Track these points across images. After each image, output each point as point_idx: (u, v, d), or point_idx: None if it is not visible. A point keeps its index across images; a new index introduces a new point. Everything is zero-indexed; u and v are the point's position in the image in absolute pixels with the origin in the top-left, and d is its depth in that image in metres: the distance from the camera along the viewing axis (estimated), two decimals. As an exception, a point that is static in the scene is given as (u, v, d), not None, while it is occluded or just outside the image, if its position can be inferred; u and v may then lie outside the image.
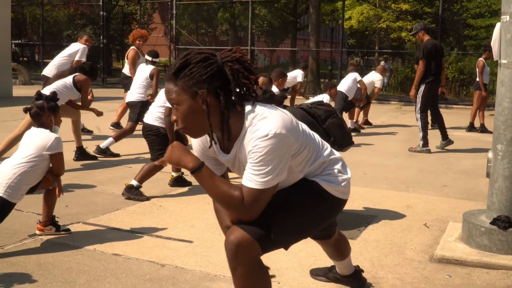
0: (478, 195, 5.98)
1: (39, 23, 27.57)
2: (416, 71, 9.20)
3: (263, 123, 2.24)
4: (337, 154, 2.65)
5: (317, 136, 2.59)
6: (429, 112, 9.34)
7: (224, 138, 2.34)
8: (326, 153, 2.57)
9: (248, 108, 2.31)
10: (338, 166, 2.60)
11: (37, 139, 4.03)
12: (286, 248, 2.51)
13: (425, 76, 8.93)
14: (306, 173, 2.53)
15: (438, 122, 9.38)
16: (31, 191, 4.04)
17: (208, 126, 2.32)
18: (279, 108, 2.36)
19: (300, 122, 2.49)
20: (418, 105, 9.02)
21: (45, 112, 4.15)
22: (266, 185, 2.25)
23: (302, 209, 2.49)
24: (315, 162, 2.52)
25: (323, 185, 2.53)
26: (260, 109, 2.31)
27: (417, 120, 9.10)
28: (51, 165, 4.07)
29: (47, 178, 4.07)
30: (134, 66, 9.67)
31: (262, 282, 2.44)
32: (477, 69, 12.05)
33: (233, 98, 2.32)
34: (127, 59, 10.30)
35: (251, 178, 2.26)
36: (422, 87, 8.99)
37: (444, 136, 9.31)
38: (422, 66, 8.86)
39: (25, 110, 4.22)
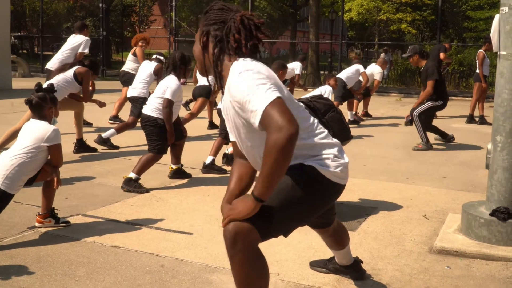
0: (477, 187, 5.99)
1: (39, 16, 27.50)
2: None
3: (235, 67, 2.36)
4: (334, 139, 2.64)
5: (312, 119, 2.58)
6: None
7: (217, 81, 2.53)
8: (320, 136, 2.56)
9: (237, 60, 2.41)
10: (334, 151, 2.58)
11: (35, 131, 4.03)
12: (285, 235, 2.51)
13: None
14: (305, 146, 2.49)
15: (435, 131, 9.15)
16: (29, 183, 4.03)
17: (206, 64, 2.56)
18: (259, 63, 2.42)
19: (295, 100, 2.55)
20: (421, 108, 8.67)
21: (47, 104, 4.16)
22: (271, 96, 2.19)
23: (301, 194, 2.48)
24: (308, 139, 2.50)
25: (320, 170, 2.51)
26: (245, 61, 2.39)
27: (413, 121, 8.71)
28: (49, 157, 4.07)
29: (45, 170, 4.07)
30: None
31: (260, 270, 2.44)
32: (477, 61, 12.03)
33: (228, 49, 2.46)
34: (133, 55, 10.25)
35: (258, 107, 2.18)
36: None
37: (443, 135, 9.23)
38: (430, 87, 8.51)
39: (27, 102, 4.22)
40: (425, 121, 8.60)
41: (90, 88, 7.32)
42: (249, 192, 2.37)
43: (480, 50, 11.95)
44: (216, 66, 2.48)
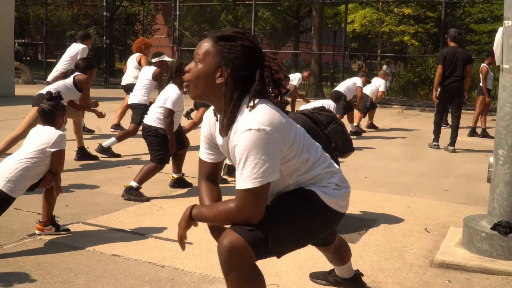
0: (479, 200, 5.97)
1: (43, 23, 27.55)
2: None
3: (250, 117, 2.24)
4: (335, 167, 2.60)
5: (317, 146, 2.57)
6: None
7: (224, 123, 2.36)
8: (323, 165, 2.53)
9: (248, 98, 2.32)
10: (335, 180, 2.55)
11: (42, 136, 4.05)
12: (278, 257, 2.46)
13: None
14: (300, 182, 2.49)
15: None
16: (32, 188, 4.03)
17: (209, 96, 2.37)
18: (277, 108, 2.34)
19: (300, 129, 2.48)
20: None
21: (59, 111, 4.20)
22: (254, 183, 2.22)
23: (299, 218, 2.44)
24: (310, 171, 2.48)
25: (320, 196, 2.48)
26: (257, 102, 2.30)
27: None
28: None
29: (47, 177, 4.07)
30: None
31: (255, 286, 2.39)
32: (480, 75, 12.02)
33: (249, 94, 2.32)
34: (138, 63, 10.06)
35: (242, 179, 2.24)
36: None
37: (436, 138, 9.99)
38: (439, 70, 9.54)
39: (39, 110, 4.23)
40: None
41: (93, 106, 7.27)
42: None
43: (483, 64, 11.95)
44: (234, 108, 2.32)
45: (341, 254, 3.22)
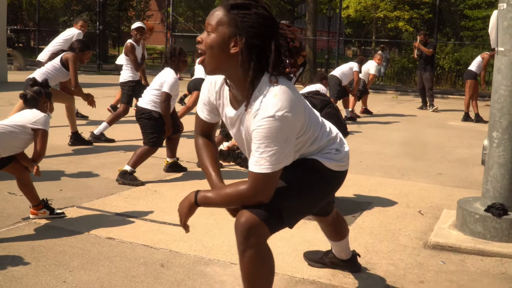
0: (472, 184, 5.99)
1: (35, 9, 27.38)
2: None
3: (272, 101, 2.21)
4: (333, 132, 2.65)
5: (317, 117, 2.59)
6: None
7: (243, 94, 2.32)
8: (325, 135, 2.57)
9: (267, 76, 2.28)
10: (335, 146, 2.62)
11: (26, 114, 4.03)
12: (291, 227, 2.51)
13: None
14: (304, 154, 2.54)
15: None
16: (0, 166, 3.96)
17: (224, 69, 2.31)
18: (293, 87, 2.32)
19: (306, 104, 2.49)
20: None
21: (42, 98, 4.17)
22: (273, 168, 2.25)
23: (307, 187, 2.51)
24: (314, 144, 2.52)
25: (323, 162, 2.55)
26: (277, 82, 2.27)
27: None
28: (25, 153, 4.02)
29: (18, 163, 3.99)
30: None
31: (269, 265, 2.43)
32: (477, 58, 12.05)
33: (263, 63, 2.28)
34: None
35: (257, 163, 2.25)
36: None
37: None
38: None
39: (21, 96, 4.20)
40: None
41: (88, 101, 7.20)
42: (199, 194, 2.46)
43: (486, 52, 12.11)
44: (251, 81, 2.27)
45: (339, 227, 3.24)
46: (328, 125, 2.66)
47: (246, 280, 2.43)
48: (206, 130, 2.68)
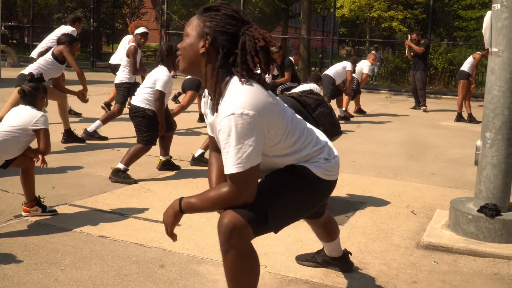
0: (465, 184, 6.00)
1: (30, 6, 27.27)
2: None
3: (234, 99, 2.22)
4: (321, 142, 2.62)
5: (304, 126, 2.57)
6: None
7: (211, 96, 2.39)
8: (311, 145, 2.55)
9: (234, 78, 2.30)
10: (323, 155, 2.58)
11: (24, 114, 4.01)
12: (276, 232, 2.49)
13: None
14: (293, 159, 2.51)
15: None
16: (4, 166, 3.99)
17: (196, 68, 2.38)
18: (263, 89, 2.32)
19: (288, 110, 2.47)
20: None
21: (39, 93, 4.16)
22: (243, 167, 2.22)
23: (295, 193, 2.49)
24: (299, 152, 2.50)
25: (312, 170, 2.53)
26: (242, 82, 2.27)
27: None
28: (33, 146, 4.02)
29: (24, 156, 4.01)
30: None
31: (252, 267, 2.42)
32: (469, 59, 12.09)
33: (231, 66, 2.31)
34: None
35: (227, 164, 2.24)
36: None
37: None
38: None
39: (20, 91, 4.18)
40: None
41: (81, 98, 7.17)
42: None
43: (477, 52, 12.14)
44: (218, 81, 2.31)
45: (329, 229, 3.23)
46: (317, 134, 2.65)
47: (230, 280, 2.42)
48: (216, 146, 2.66)
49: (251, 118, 2.19)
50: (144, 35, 8.33)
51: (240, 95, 2.22)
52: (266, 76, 8.11)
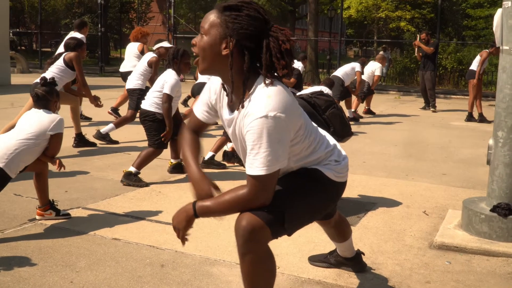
0: (477, 184, 5.99)
1: (37, 12, 27.39)
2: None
3: (265, 102, 2.20)
4: (331, 144, 2.64)
5: (316, 129, 2.59)
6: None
7: (236, 95, 2.34)
8: (323, 147, 2.57)
9: (261, 78, 2.29)
10: (334, 157, 2.61)
11: (41, 119, 4.02)
12: (290, 234, 2.48)
13: None
14: (303, 165, 2.53)
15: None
16: (22, 170, 4.01)
17: (217, 70, 2.34)
18: (288, 90, 2.33)
19: (305, 113, 2.48)
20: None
21: (53, 97, 4.18)
22: (268, 170, 2.22)
23: (309, 195, 2.50)
24: (311, 155, 2.52)
25: (325, 172, 2.55)
26: (271, 84, 2.26)
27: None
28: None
29: (38, 160, 4.03)
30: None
31: (270, 269, 2.41)
32: (478, 57, 12.04)
33: (258, 66, 2.30)
34: (140, 53, 9.86)
35: (252, 165, 2.24)
36: None
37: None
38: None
39: (33, 95, 4.21)
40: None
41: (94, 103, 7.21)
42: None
43: (485, 50, 12.08)
44: (245, 82, 2.28)
45: (341, 230, 3.24)
46: (327, 137, 2.67)
47: (246, 282, 2.41)
48: (197, 128, 2.68)
49: (282, 121, 2.19)
50: (168, 49, 8.39)
51: (271, 97, 2.21)
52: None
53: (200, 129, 2.69)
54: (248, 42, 2.26)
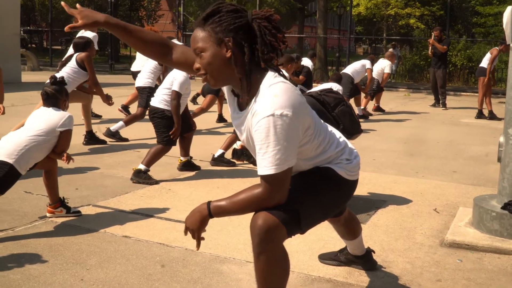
0: (488, 181, 5.96)
1: (48, 10, 27.52)
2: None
3: (272, 100, 2.19)
4: (342, 143, 2.64)
5: (325, 128, 2.58)
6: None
7: (243, 92, 2.32)
8: (333, 146, 2.56)
9: (269, 74, 2.29)
10: (345, 156, 2.61)
11: (50, 115, 4.04)
12: (303, 233, 2.48)
13: None
14: (314, 165, 2.53)
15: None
16: (31, 168, 4.02)
17: (229, 76, 2.31)
18: (296, 89, 2.33)
19: (313, 111, 2.47)
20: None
21: (62, 96, 4.20)
22: (277, 169, 2.21)
23: (322, 194, 2.50)
24: (322, 154, 2.51)
25: (337, 171, 2.55)
26: (277, 81, 2.27)
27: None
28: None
29: (47, 157, 4.04)
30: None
31: (285, 267, 2.42)
32: (487, 55, 11.98)
33: (259, 55, 2.28)
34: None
35: (263, 164, 2.23)
36: None
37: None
38: None
39: (43, 94, 4.22)
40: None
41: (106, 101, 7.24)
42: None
43: (495, 47, 12.01)
44: (249, 77, 2.28)
45: (351, 227, 3.23)
46: (337, 136, 2.66)
47: (260, 282, 2.41)
48: (179, 52, 2.61)
49: (290, 119, 2.18)
50: None
51: (279, 95, 2.20)
52: (286, 75, 8.14)
53: (178, 51, 2.61)
54: (243, 34, 2.26)
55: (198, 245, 2.51)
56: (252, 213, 2.37)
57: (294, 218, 2.34)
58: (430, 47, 13.63)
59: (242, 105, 2.40)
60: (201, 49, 2.29)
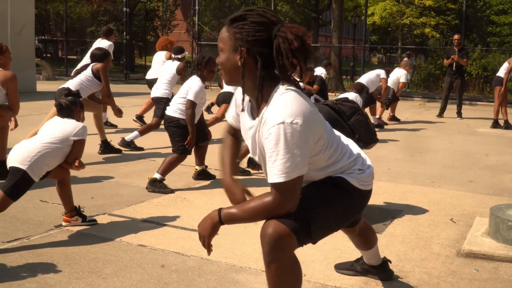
0: (504, 191, 5.91)
1: (63, 19, 27.77)
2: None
3: (282, 109, 2.20)
4: (354, 154, 2.63)
5: (338, 138, 2.58)
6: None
7: (254, 100, 2.37)
8: (345, 156, 2.56)
9: (280, 86, 2.30)
10: (358, 166, 2.60)
11: (64, 125, 4.06)
12: (315, 242, 2.48)
13: None
14: (330, 171, 2.52)
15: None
16: (44, 176, 4.04)
17: (236, 82, 2.39)
18: (306, 98, 2.32)
19: (326, 121, 2.47)
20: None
21: (76, 108, 4.23)
22: (287, 177, 2.21)
23: (335, 203, 2.49)
24: (334, 165, 2.51)
25: (349, 180, 2.53)
26: (288, 90, 2.28)
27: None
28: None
29: (59, 166, 4.05)
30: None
31: (296, 277, 2.40)
32: (506, 65, 11.89)
33: (274, 70, 2.31)
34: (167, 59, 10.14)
35: (273, 172, 2.23)
36: None
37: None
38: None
39: (57, 105, 4.25)
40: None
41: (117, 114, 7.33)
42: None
43: None
44: (261, 88, 2.30)
45: (366, 237, 3.22)
46: (351, 146, 2.66)
47: None
48: (233, 130, 2.77)
49: (300, 127, 2.19)
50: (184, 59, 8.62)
51: (289, 104, 2.21)
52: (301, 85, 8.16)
53: (236, 132, 2.75)
54: (260, 48, 2.28)
55: (209, 252, 2.53)
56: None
57: (304, 227, 2.33)
58: (451, 61, 13.32)
59: (253, 113, 2.42)
60: (221, 48, 2.37)
